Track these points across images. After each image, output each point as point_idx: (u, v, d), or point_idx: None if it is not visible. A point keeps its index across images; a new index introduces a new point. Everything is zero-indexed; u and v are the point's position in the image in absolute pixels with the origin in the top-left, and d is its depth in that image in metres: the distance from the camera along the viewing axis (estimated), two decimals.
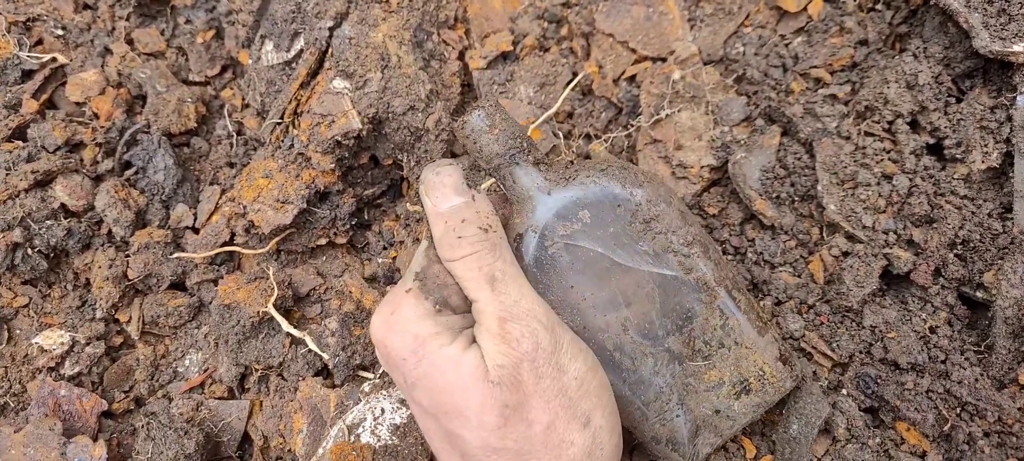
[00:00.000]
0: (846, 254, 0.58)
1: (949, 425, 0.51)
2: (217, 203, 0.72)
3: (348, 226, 0.72)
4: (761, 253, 0.61)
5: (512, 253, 0.49)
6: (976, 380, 0.52)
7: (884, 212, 0.59)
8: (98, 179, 0.72)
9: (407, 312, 0.47)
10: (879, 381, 0.53)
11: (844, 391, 0.55)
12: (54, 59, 0.78)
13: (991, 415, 0.51)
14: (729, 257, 0.62)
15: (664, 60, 0.69)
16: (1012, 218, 0.56)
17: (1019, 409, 0.51)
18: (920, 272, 0.56)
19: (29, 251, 0.67)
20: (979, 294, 0.55)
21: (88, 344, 0.68)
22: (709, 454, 0.50)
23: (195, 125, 0.77)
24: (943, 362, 0.54)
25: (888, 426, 0.54)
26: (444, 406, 0.46)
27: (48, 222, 0.68)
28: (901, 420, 0.53)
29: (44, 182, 0.69)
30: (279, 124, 0.73)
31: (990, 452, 0.50)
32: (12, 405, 0.65)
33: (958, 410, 0.52)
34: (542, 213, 0.50)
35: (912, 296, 0.57)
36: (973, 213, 0.57)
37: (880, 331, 0.55)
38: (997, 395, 0.51)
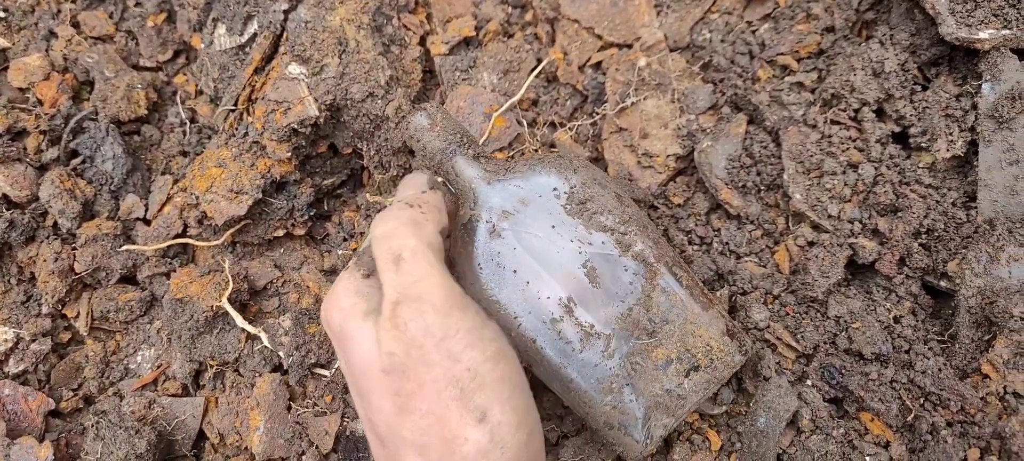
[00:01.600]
0: (811, 244, 0.58)
1: (913, 415, 0.51)
2: (169, 193, 0.69)
3: (306, 217, 0.70)
4: (727, 243, 0.60)
5: (438, 239, 0.48)
6: (939, 370, 0.52)
7: (849, 201, 0.58)
8: (42, 168, 0.69)
9: (340, 286, 0.47)
10: (843, 372, 0.53)
11: (809, 382, 0.54)
12: None
13: (954, 405, 0.51)
14: (694, 247, 0.61)
15: (630, 47, 0.68)
16: (976, 207, 0.56)
17: (982, 398, 0.51)
18: (885, 262, 0.56)
19: None
20: (943, 283, 0.55)
21: (34, 341, 0.65)
22: (663, 436, 0.49)
23: (146, 112, 0.74)
24: (907, 352, 0.54)
25: (852, 417, 0.54)
26: (356, 386, 0.45)
27: None
28: (865, 410, 0.53)
29: None
30: (233, 111, 0.70)
31: (953, 442, 0.50)
32: None
33: (921, 400, 0.52)
34: (483, 202, 0.52)
35: (877, 286, 0.57)
36: (938, 202, 0.57)
37: (845, 321, 0.55)
38: (960, 385, 0.51)
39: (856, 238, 0.57)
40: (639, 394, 0.49)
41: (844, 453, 0.52)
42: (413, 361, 0.42)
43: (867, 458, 0.51)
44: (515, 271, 0.50)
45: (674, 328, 0.50)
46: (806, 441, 0.52)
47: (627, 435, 0.49)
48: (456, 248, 0.54)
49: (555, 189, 0.52)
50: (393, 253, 0.45)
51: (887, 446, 0.52)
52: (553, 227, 0.51)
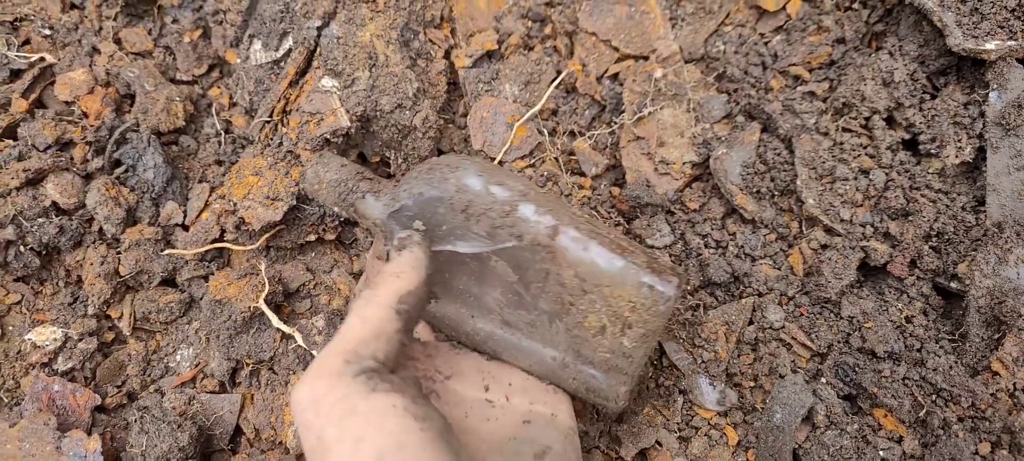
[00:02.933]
0: (825, 247, 0.60)
1: (925, 411, 0.53)
2: (206, 200, 0.73)
3: (336, 223, 0.73)
4: (742, 246, 0.62)
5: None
6: (950, 367, 0.54)
7: (862, 206, 0.60)
8: (88, 177, 0.73)
9: None
10: (857, 369, 0.55)
11: (823, 380, 0.56)
12: (42, 58, 0.78)
13: (965, 401, 0.52)
14: (710, 250, 0.63)
15: (646, 58, 0.70)
16: (985, 211, 0.58)
17: (992, 395, 0.53)
18: (896, 264, 0.58)
19: (21, 248, 0.67)
20: (953, 285, 0.57)
21: (80, 340, 0.68)
22: (628, 392, 0.51)
23: (183, 123, 0.77)
24: (919, 350, 0.55)
25: (866, 413, 0.55)
26: None
27: (40, 220, 0.69)
28: (878, 407, 0.55)
29: (35, 180, 0.70)
30: (268, 122, 0.73)
31: (964, 436, 0.52)
32: (6, 400, 0.66)
33: (933, 396, 0.53)
34: (390, 233, 0.53)
35: (889, 287, 0.59)
36: (947, 206, 0.58)
37: (858, 321, 0.57)
38: (971, 381, 0.53)
39: (868, 241, 0.59)
40: (591, 363, 0.50)
41: (858, 448, 0.53)
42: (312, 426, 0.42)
43: (881, 452, 0.53)
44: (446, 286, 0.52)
45: (595, 295, 0.49)
46: (821, 436, 0.54)
47: (599, 397, 0.51)
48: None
49: (438, 202, 0.51)
50: None
51: (900, 441, 0.54)
52: (454, 238, 0.51)
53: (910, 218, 0.59)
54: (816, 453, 0.54)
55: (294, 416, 0.43)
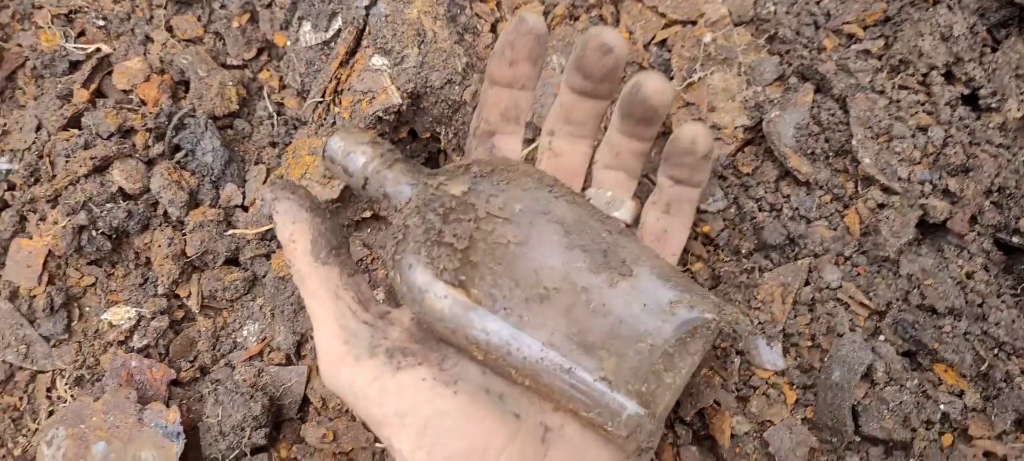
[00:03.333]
0: (882, 206, 0.60)
1: (986, 365, 0.53)
2: (264, 181, 0.75)
3: None
4: (797, 209, 0.63)
5: None
6: (1013, 321, 0.54)
7: (919, 163, 0.60)
8: (150, 163, 0.75)
9: None
10: (916, 326, 0.55)
11: (882, 337, 0.56)
12: (99, 49, 0.81)
13: None
14: (765, 214, 0.64)
15: (694, 23, 0.70)
16: None
17: None
18: (956, 220, 0.58)
19: (94, 233, 0.70)
20: (1015, 239, 0.57)
21: (153, 318, 0.71)
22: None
23: (237, 107, 0.79)
24: (980, 305, 0.55)
25: (926, 368, 0.56)
26: None
27: (108, 205, 0.71)
28: (939, 362, 0.55)
29: (101, 168, 0.73)
30: (321, 103, 0.75)
31: None
32: (87, 377, 0.69)
33: (995, 350, 0.54)
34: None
35: (948, 244, 0.58)
36: (1008, 160, 0.58)
37: (917, 279, 0.57)
38: None
39: (927, 199, 0.59)
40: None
41: (918, 402, 0.54)
42: None
43: (942, 407, 0.53)
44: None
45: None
46: (881, 392, 0.54)
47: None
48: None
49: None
50: None
51: (961, 395, 0.54)
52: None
53: (970, 174, 0.58)
54: (875, 409, 0.54)
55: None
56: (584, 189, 0.57)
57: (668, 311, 0.46)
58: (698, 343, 0.45)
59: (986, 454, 0.52)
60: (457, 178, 0.49)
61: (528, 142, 0.70)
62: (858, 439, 0.55)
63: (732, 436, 0.57)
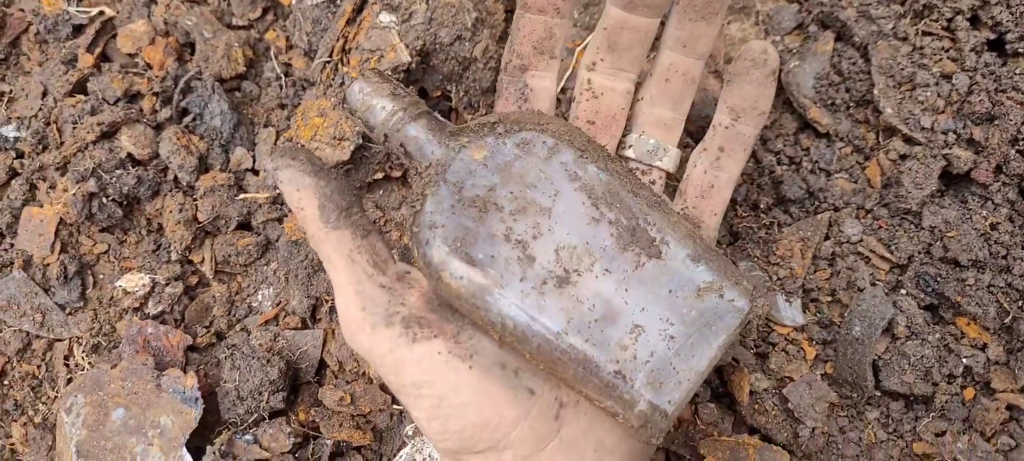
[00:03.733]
0: (904, 157, 0.59)
1: (1011, 317, 0.52)
2: (275, 144, 0.74)
3: (401, 159, 0.74)
4: (817, 161, 0.61)
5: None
6: None
7: (943, 112, 0.58)
8: (158, 128, 0.74)
9: None
10: (939, 279, 0.54)
11: (903, 291, 0.56)
12: (102, 13, 0.79)
13: None
14: (784, 167, 0.62)
15: None
16: None
17: None
18: (981, 170, 0.56)
19: (104, 200, 0.70)
20: None
21: (168, 285, 0.71)
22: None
23: (244, 69, 0.78)
24: (1004, 257, 0.54)
25: (948, 322, 0.55)
26: None
27: (118, 171, 0.71)
28: (962, 315, 0.54)
29: (109, 133, 0.72)
30: (329, 62, 0.74)
31: None
32: (104, 344, 0.69)
33: (1020, 302, 0.53)
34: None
35: (972, 194, 0.57)
36: None
37: (939, 231, 0.56)
38: None
39: (950, 148, 0.57)
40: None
41: (940, 356, 0.53)
42: None
43: (964, 360, 0.53)
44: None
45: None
46: (902, 346, 0.54)
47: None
48: None
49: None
50: None
51: (984, 348, 0.53)
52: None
53: (995, 122, 0.57)
54: (896, 363, 0.54)
55: None
56: (625, 135, 0.54)
57: (696, 297, 0.44)
58: (723, 336, 0.44)
59: (1009, 407, 0.52)
60: (480, 140, 0.46)
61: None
62: (878, 394, 0.55)
63: (751, 393, 0.56)
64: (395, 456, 0.63)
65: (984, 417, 0.52)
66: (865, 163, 0.61)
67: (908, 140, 0.59)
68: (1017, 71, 0.57)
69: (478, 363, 0.45)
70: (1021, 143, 0.56)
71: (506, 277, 0.43)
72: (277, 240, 0.72)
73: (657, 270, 0.44)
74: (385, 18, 0.70)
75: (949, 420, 0.53)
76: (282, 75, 0.79)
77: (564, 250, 0.45)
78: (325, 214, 0.48)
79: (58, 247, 0.71)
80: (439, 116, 0.52)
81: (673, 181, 0.53)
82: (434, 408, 0.44)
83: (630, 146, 0.53)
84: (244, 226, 0.74)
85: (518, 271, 0.44)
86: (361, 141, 0.70)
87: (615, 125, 0.52)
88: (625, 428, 0.45)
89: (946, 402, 0.53)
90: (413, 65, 0.68)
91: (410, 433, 0.64)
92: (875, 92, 0.59)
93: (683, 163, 0.55)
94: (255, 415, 0.64)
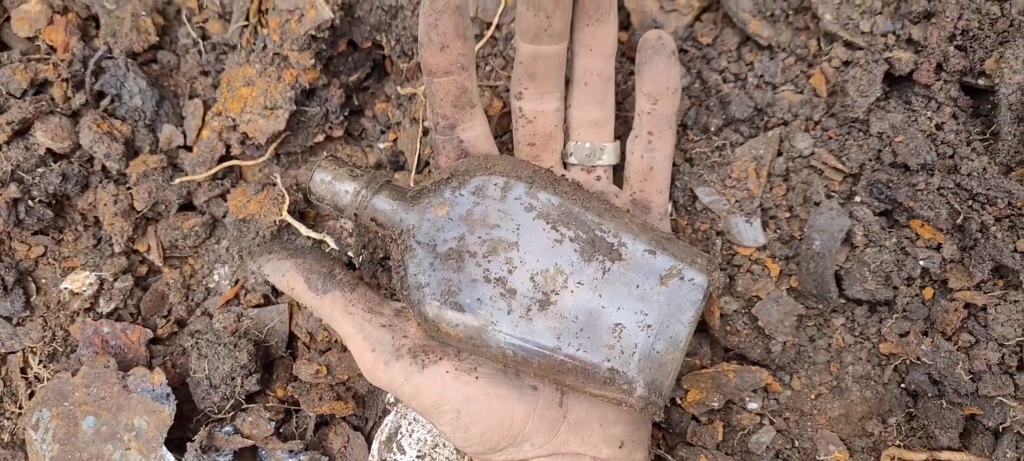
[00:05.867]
0: (847, 63, 0.58)
1: (962, 217, 0.54)
2: (203, 118, 0.70)
3: (341, 117, 0.71)
4: (762, 75, 0.61)
5: None
6: (984, 169, 0.54)
7: (881, 13, 0.58)
8: (75, 116, 0.69)
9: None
10: (891, 185, 0.55)
11: (858, 199, 0.57)
12: None
13: (1001, 201, 0.53)
14: (730, 85, 0.62)
15: None
16: (1010, 1, 0.55)
17: None
18: (922, 71, 0.57)
19: (31, 203, 0.66)
20: (981, 82, 0.56)
21: (116, 279, 0.68)
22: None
23: (157, 39, 0.73)
24: (951, 157, 0.56)
25: (903, 226, 0.57)
26: None
27: (39, 170, 0.67)
28: (915, 218, 0.56)
29: (22, 131, 0.67)
30: (246, 26, 0.69)
31: (1002, 236, 0.53)
32: (61, 350, 0.67)
33: (970, 201, 0.54)
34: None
35: (916, 96, 0.58)
36: (971, 1, 0.56)
37: (888, 136, 0.57)
38: (1005, 181, 0.54)
39: (891, 51, 0.57)
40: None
41: (898, 260, 0.55)
42: None
43: (921, 262, 0.55)
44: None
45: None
46: (861, 255, 0.55)
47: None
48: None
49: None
50: None
51: (939, 248, 0.55)
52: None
53: (933, 19, 0.57)
54: (857, 272, 0.55)
55: None
56: (564, 146, 0.58)
57: (661, 284, 0.49)
58: (690, 311, 0.49)
59: (966, 305, 0.54)
60: (440, 196, 0.51)
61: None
62: (843, 302, 0.57)
63: (722, 316, 0.58)
64: (380, 421, 0.64)
65: (944, 318, 0.55)
66: (809, 71, 0.60)
67: (849, 45, 0.58)
68: None
69: (483, 373, 0.52)
70: (959, 38, 0.57)
71: (495, 313, 0.49)
72: (224, 217, 0.69)
73: (622, 270, 0.49)
74: None
75: (912, 320, 0.56)
76: (199, 40, 0.73)
77: (538, 275, 0.49)
78: (312, 284, 0.56)
79: None
80: (399, 182, 0.56)
81: (610, 203, 0.56)
82: (455, 420, 0.51)
83: (571, 154, 0.57)
84: (187, 207, 0.71)
85: (504, 305, 0.49)
86: (294, 107, 0.66)
87: (553, 141, 0.57)
88: (628, 411, 0.52)
89: (908, 303, 0.55)
90: (337, 21, 0.65)
91: (392, 400, 0.64)
92: None
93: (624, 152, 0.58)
94: (232, 401, 0.63)
